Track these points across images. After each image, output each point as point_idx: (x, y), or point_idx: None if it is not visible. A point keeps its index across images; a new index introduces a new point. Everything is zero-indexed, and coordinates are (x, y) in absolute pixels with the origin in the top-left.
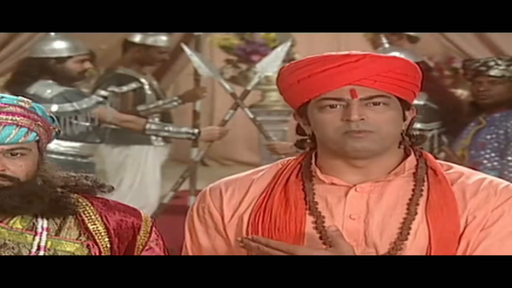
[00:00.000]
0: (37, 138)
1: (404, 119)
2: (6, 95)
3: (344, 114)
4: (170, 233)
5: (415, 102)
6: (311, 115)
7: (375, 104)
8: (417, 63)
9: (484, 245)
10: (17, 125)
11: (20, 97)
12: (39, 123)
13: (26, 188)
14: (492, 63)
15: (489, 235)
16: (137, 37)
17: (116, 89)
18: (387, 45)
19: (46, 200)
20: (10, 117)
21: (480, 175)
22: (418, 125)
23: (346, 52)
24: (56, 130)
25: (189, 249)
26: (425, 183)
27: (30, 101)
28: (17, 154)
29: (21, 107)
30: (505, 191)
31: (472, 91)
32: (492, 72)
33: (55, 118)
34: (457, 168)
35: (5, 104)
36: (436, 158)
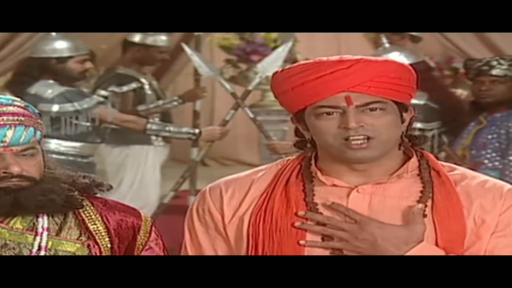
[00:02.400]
0: (41, 136)
1: (403, 121)
2: (1, 96)
3: (342, 121)
4: (170, 233)
5: (416, 102)
6: (309, 122)
7: (371, 109)
8: (417, 63)
9: (500, 248)
10: (24, 125)
11: (13, 97)
12: (38, 121)
13: (43, 187)
14: (494, 63)
15: (504, 238)
16: (136, 37)
17: (117, 89)
18: (387, 45)
19: (63, 196)
20: (16, 117)
21: (482, 177)
22: (418, 125)
23: (338, 57)
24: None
25: (188, 249)
26: (431, 185)
27: (20, 99)
28: (28, 154)
29: (19, 106)
30: (509, 194)
31: (473, 90)
32: (495, 72)
33: (41, 114)
34: (460, 169)
35: (6, 105)
36: (437, 159)
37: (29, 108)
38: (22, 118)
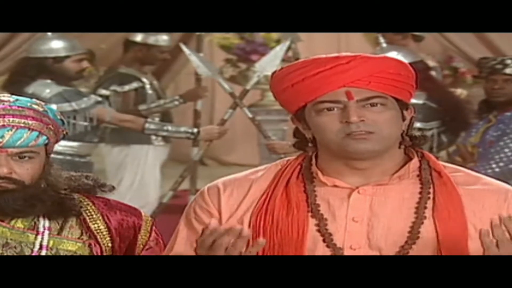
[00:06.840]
0: (47, 141)
1: (403, 119)
2: (20, 97)
3: (343, 116)
4: (170, 232)
5: (415, 101)
6: (309, 119)
7: (372, 105)
8: (416, 62)
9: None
10: (29, 129)
11: (34, 100)
12: (50, 126)
13: (29, 192)
14: (509, 61)
15: None
16: (138, 37)
17: (118, 88)
18: (384, 45)
19: (48, 204)
20: (23, 120)
21: (486, 178)
22: (417, 124)
23: (336, 54)
24: (64, 132)
25: (178, 245)
26: (431, 185)
27: (43, 103)
28: (25, 157)
29: (34, 110)
30: None
31: (486, 89)
32: (508, 70)
33: (65, 121)
34: (463, 170)
35: (19, 107)
36: (437, 158)
37: (48, 113)
38: (30, 122)
